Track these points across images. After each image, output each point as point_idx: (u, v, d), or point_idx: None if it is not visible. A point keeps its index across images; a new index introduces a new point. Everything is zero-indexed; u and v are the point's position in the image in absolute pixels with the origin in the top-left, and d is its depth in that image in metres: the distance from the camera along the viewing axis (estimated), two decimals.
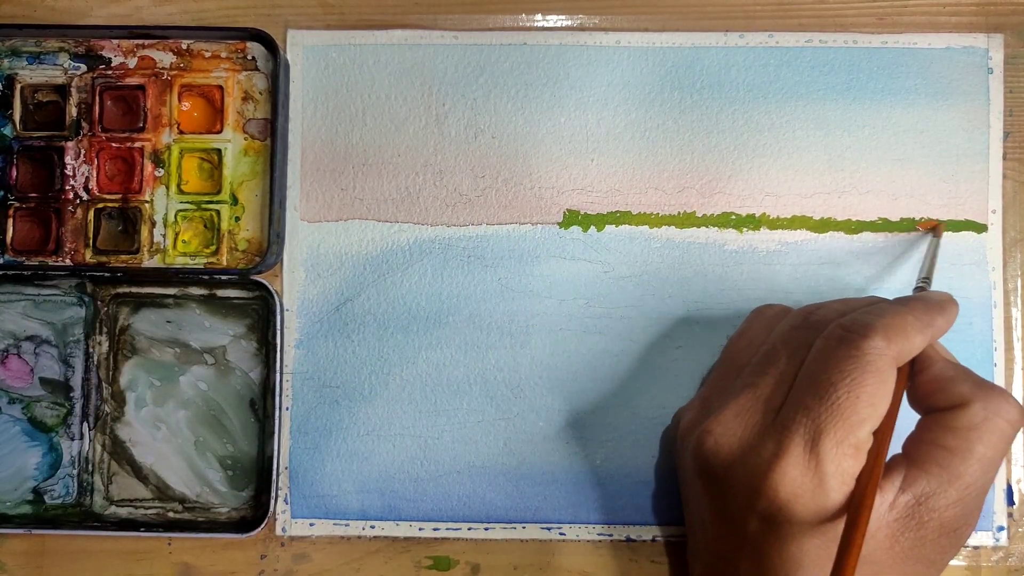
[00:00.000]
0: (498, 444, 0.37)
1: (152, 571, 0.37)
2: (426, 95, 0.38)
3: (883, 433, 0.27)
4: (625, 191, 0.37)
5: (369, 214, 0.37)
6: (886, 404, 0.27)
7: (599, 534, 0.36)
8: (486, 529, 0.36)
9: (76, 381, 0.37)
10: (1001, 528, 0.36)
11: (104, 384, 0.37)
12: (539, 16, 0.38)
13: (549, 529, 0.36)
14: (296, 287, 0.37)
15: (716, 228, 0.37)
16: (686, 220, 0.37)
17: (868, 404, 0.26)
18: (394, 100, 0.38)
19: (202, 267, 0.37)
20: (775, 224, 0.37)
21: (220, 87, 0.37)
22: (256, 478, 0.37)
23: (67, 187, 0.37)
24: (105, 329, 0.37)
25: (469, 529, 0.36)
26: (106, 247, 0.37)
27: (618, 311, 0.37)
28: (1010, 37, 0.38)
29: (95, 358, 0.37)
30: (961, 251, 0.37)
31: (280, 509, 0.37)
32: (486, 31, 0.38)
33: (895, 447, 0.28)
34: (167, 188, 0.37)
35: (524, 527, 0.36)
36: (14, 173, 0.37)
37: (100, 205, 0.37)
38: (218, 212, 0.37)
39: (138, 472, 0.37)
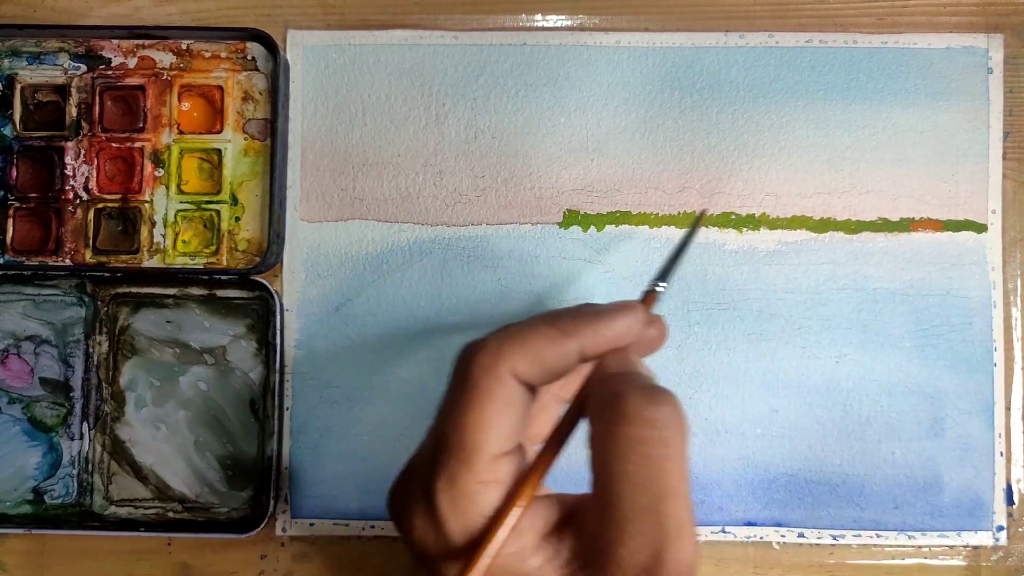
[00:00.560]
0: None
1: (152, 571, 0.37)
2: (426, 95, 0.38)
3: (546, 451, 0.25)
4: (625, 191, 0.37)
5: (369, 214, 0.37)
6: (510, 424, 0.24)
7: None
8: None
9: (76, 381, 0.37)
10: (1001, 528, 0.36)
11: (104, 384, 0.37)
12: (539, 16, 0.38)
13: None
14: (296, 287, 0.37)
15: (716, 228, 0.37)
16: (686, 220, 0.37)
17: (478, 430, 0.24)
18: (394, 100, 0.38)
19: (202, 267, 0.37)
20: (775, 224, 0.37)
21: (220, 87, 0.37)
22: (256, 478, 0.37)
23: (67, 187, 0.37)
24: (105, 329, 0.37)
25: None
26: (106, 247, 0.37)
27: None
28: (1010, 37, 0.38)
29: (95, 358, 0.37)
30: (961, 251, 0.37)
31: (280, 509, 0.37)
32: (486, 31, 0.38)
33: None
34: (167, 188, 0.37)
35: None
36: (14, 173, 0.37)
37: (100, 205, 0.37)
38: (218, 212, 0.37)
39: (138, 472, 0.37)
